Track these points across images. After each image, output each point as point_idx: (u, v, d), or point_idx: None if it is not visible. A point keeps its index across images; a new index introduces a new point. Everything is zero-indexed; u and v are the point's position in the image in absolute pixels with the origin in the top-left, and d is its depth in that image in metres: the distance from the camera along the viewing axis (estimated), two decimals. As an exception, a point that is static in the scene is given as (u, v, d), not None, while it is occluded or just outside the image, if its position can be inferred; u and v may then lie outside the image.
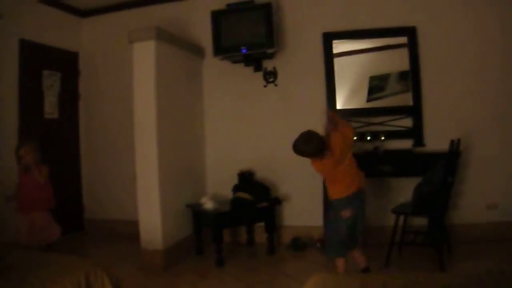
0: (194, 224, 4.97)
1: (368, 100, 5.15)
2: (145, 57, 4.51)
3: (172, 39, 4.82)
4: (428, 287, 2.07)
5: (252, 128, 5.42)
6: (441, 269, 4.03)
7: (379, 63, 5.17)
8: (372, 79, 5.14)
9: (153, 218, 4.50)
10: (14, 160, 4.41)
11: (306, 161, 4.94)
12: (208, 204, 4.75)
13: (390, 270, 4.16)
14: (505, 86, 4.89)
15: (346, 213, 3.48)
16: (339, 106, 5.14)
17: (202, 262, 4.73)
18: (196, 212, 4.91)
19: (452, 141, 4.21)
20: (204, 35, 5.35)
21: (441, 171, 4.14)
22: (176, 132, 4.89)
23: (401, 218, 4.43)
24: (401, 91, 5.08)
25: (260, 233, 5.09)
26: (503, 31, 4.89)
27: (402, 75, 5.07)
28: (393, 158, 4.72)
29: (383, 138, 4.86)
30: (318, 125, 4.99)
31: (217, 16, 5.06)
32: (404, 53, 5.05)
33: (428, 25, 4.99)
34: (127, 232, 5.20)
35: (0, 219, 4.68)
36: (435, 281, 2.15)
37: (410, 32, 4.99)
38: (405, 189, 4.64)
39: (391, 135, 4.96)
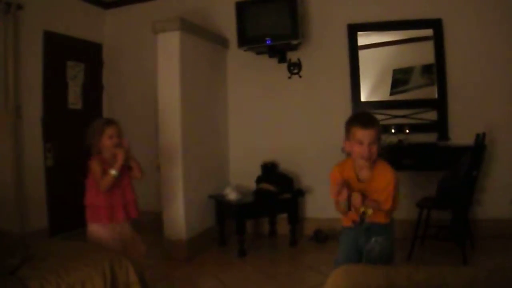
0: (217, 214, 5.00)
1: (392, 93, 5.13)
2: (169, 47, 4.52)
3: (196, 30, 4.82)
4: (452, 280, 2.05)
5: (276, 119, 5.42)
6: (464, 263, 4.02)
7: (403, 56, 5.15)
8: (396, 72, 5.12)
9: (176, 209, 4.53)
10: (39, 150, 4.41)
11: (329, 153, 4.99)
12: (231, 195, 4.77)
13: (412, 264, 4.15)
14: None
15: None
16: (363, 98, 5.14)
17: (225, 253, 4.77)
18: (219, 203, 4.93)
19: (477, 135, 4.17)
20: (228, 26, 5.34)
21: (466, 165, 4.11)
22: (200, 123, 4.91)
23: (425, 212, 4.41)
24: (425, 84, 5.06)
25: (283, 225, 5.11)
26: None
27: (426, 68, 5.04)
28: (417, 151, 4.68)
29: (407, 131, 4.83)
30: (342, 117, 5.05)
31: (241, 7, 5.05)
32: (428, 46, 5.01)
33: (454, 18, 4.93)
34: (150, 223, 5.21)
35: (26, 209, 4.74)
36: (460, 274, 2.13)
37: (436, 25, 4.94)
38: (429, 182, 4.60)
39: (415, 128, 4.92)
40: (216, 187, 5.10)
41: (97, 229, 3.20)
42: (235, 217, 4.68)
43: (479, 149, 4.21)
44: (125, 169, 3.35)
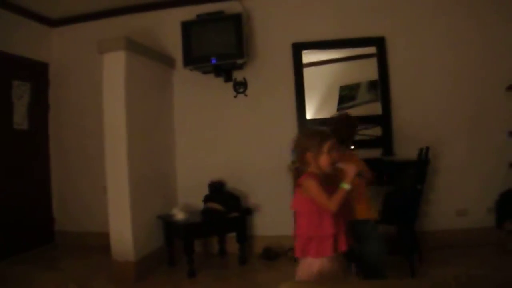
0: (165, 235, 4.93)
1: (339, 109, 5.18)
2: (115, 67, 4.47)
3: (142, 50, 4.80)
4: None
5: (223, 138, 5.42)
6: (412, 276, 4.08)
7: (349, 73, 5.25)
8: (343, 88, 5.20)
9: (124, 229, 4.45)
10: None
11: (275, 172, 5.03)
12: (179, 215, 4.73)
13: (360, 278, 4.19)
14: (472, 95, 5.00)
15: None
16: (310, 116, 5.19)
17: (174, 274, 4.69)
18: (167, 223, 4.87)
19: (420, 149, 4.27)
20: (174, 45, 5.35)
21: (410, 179, 4.19)
22: (147, 142, 4.86)
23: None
24: (371, 100, 5.15)
25: (232, 244, 5.08)
26: (471, 41, 5.02)
27: (372, 85, 5.14)
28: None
29: (352, 147, 4.90)
30: (288, 135, 5.08)
31: (187, 27, 5.07)
32: (373, 62, 5.12)
33: (397, 35, 5.09)
34: (99, 244, 5.13)
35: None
36: (403, 287, 2.16)
37: (378, 42, 5.07)
38: (374, 198, 4.66)
39: (360, 144, 4.98)
40: (164, 207, 5.04)
41: (320, 263, 2.67)
42: (183, 237, 4.62)
43: (422, 163, 4.30)
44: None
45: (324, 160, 2.69)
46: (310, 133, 2.85)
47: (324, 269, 2.65)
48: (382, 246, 3.46)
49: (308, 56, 5.22)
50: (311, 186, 2.65)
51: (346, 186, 2.60)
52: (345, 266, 2.88)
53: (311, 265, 2.66)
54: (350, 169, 2.64)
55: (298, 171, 2.84)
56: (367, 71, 5.17)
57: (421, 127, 4.97)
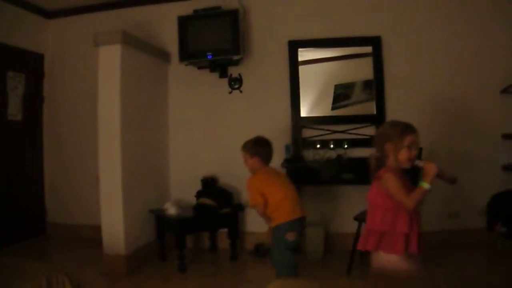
0: (157, 229, 4.94)
1: (333, 108, 5.19)
2: (110, 60, 4.47)
3: (138, 44, 4.79)
4: None
5: (216, 134, 5.42)
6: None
7: (345, 72, 5.23)
8: (337, 87, 5.19)
9: (115, 223, 4.45)
10: None
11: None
12: (171, 210, 4.73)
13: (352, 277, 4.22)
14: (466, 96, 5.02)
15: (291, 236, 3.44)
16: (304, 114, 5.20)
17: (165, 268, 4.69)
18: (159, 218, 4.88)
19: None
20: (170, 40, 5.34)
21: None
22: (140, 136, 4.86)
23: (363, 225, 4.48)
24: (366, 100, 5.15)
25: (223, 239, 5.10)
26: (466, 43, 5.03)
27: (367, 84, 5.14)
28: (356, 166, 4.74)
29: (346, 146, 4.94)
30: (281, 133, 5.12)
31: (183, 22, 5.06)
32: (369, 62, 5.12)
33: (393, 35, 5.09)
34: (91, 236, 5.11)
35: None
36: (392, 283, 2.18)
37: (374, 42, 5.08)
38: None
39: (354, 143, 5.03)
40: (156, 201, 5.04)
41: (397, 259, 2.58)
42: (175, 232, 4.63)
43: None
44: None
45: (403, 154, 2.64)
46: (394, 122, 2.78)
47: (401, 267, 2.57)
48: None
49: (303, 54, 5.21)
50: (391, 180, 2.59)
51: (426, 185, 2.51)
52: (421, 269, 2.73)
53: (388, 259, 2.59)
54: (431, 168, 2.55)
55: (377, 161, 2.79)
56: (363, 70, 5.16)
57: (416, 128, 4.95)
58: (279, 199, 3.46)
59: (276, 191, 3.48)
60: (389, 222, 2.60)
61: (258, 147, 3.63)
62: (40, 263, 2.95)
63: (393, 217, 2.59)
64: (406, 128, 2.67)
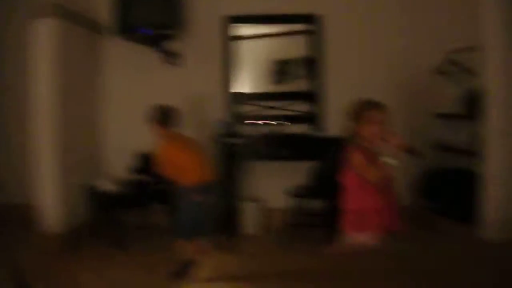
0: (93, 206, 4.85)
1: (272, 84, 5.25)
2: (42, 35, 4.32)
3: (73, 17, 4.64)
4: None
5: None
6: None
7: (284, 48, 5.28)
8: (276, 63, 5.23)
9: (50, 200, 4.37)
10: None
11: (204, 142, 5.02)
12: (106, 186, 4.68)
13: (286, 251, 4.34)
14: (402, 77, 5.20)
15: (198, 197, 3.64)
16: (241, 89, 5.23)
17: (103, 246, 4.61)
18: (95, 195, 4.79)
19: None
20: (107, 13, 5.13)
21: (335, 155, 4.31)
22: (74, 111, 4.73)
23: (298, 200, 4.59)
24: (304, 76, 5.22)
25: (160, 216, 5.07)
26: (405, 23, 5.22)
27: (306, 61, 5.20)
28: (291, 142, 4.85)
29: (282, 122, 5.01)
30: (217, 107, 5.17)
31: (121, -5, 4.94)
32: (309, 39, 5.19)
33: (331, 13, 5.17)
34: (27, 216, 5.00)
35: None
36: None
37: (313, 19, 5.14)
38: (302, 172, 4.77)
39: (291, 119, 5.12)
40: (92, 178, 4.95)
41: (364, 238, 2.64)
42: (110, 209, 4.61)
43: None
44: None
45: (365, 130, 2.66)
46: (357, 101, 2.79)
47: (366, 244, 2.63)
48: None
49: (242, 30, 5.22)
50: (353, 158, 2.64)
51: (390, 161, 2.54)
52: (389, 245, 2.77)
53: (355, 239, 2.66)
54: (394, 142, 2.59)
55: (348, 141, 2.78)
56: (302, 47, 5.22)
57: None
58: (187, 163, 3.69)
59: (183, 156, 3.73)
60: (359, 199, 2.66)
61: (161, 115, 3.82)
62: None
63: (362, 194, 2.66)
64: (366, 105, 2.71)
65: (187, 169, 3.69)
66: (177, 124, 3.88)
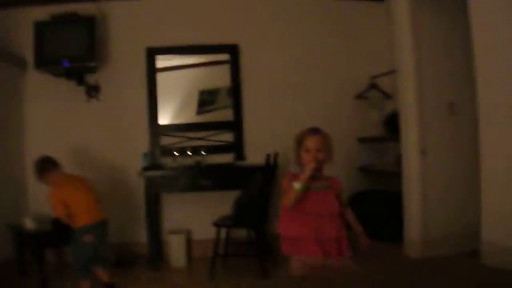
0: (16, 244, 4.69)
1: (198, 113, 5.26)
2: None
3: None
4: None
5: (75, 144, 5.21)
6: (264, 277, 4.27)
7: (209, 78, 5.33)
8: (202, 93, 5.25)
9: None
10: None
11: (129, 178, 4.99)
12: (29, 224, 4.55)
13: (216, 282, 4.28)
14: (323, 103, 5.32)
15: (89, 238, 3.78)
16: (165, 121, 5.22)
17: (26, 285, 4.43)
18: (17, 232, 4.65)
19: (267, 155, 4.40)
20: (27, 47, 5.04)
21: (258, 183, 4.32)
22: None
23: (223, 230, 4.55)
24: (229, 106, 5.26)
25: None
26: (321, 51, 5.37)
27: (230, 90, 5.25)
28: (214, 172, 4.83)
29: (204, 152, 5.02)
30: (142, 141, 5.15)
31: (39, 27, 4.84)
32: (230, 69, 5.25)
33: (249, 43, 5.27)
34: None
35: None
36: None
37: (231, 49, 5.21)
38: (226, 202, 4.71)
39: (214, 149, 5.15)
40: (14, 215, 4.80)
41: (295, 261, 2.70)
42: (33, 247, 4.45)
43: (270, 168, 4.44)
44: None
45: (303, 158, 2.67)
46: (302, 129, 2.79)
47: (296, 268, 2.68)
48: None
49: (166, 61, 5.22)
50: (282, 182, 2.69)
51: (296, 185, 2.57)
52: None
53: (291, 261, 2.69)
54: (307, 169, 2.60)
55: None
56: (226, 77, 5.27)
57: (271, 134, 5.16)
58: (79, 204, 3.78)
59: (76, 197, 3.79)
60: (284, 225, 2.71)
61: (42, 165, 3.95)
62: None
63: (285, 220, 2.71)
64: (305, 132, 2.73)
65: (76, 210, 3.77)
66: (58, 168, 4.01)
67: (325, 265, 2.64)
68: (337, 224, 2.66)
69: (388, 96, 5.25)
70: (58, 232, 4.61)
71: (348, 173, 5.25)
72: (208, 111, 5.25)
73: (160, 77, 5.21)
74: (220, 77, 5.28)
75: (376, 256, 4.46)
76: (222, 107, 5.26)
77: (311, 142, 2.67)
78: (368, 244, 2.73)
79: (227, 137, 5.19)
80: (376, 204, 4.96)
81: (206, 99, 5.25)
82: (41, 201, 5.07)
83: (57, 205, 3.76)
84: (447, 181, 4.49)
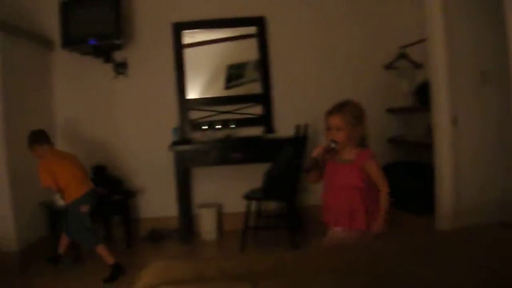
0: (49, 222, 4.77)
1: (228, 87, 5.25)
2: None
3: (18, 31, 4.56)
4: (257, 265, 2.14)
5: (104, 120, 5.28)
6: (294, 248, 4.25)
7: (238, 52, 5.29)
8: (230, 67, 5.24)
9: (5, 218, 4.27)
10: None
11: (160, 152, 5.01)
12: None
13: (246, 255, 4.29)
14: (351, 73, 5.23)
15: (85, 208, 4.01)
16: (193, 95, 5.21)
17: (60, 262, 4.51)
18: (50, 210, 4.71)
19: (297, 126, 4.39)
20: (54, 26, 5.08)
21: (288, 156, 4.32)
22: (25, 127, 4.61)
23: (254, 203, 4.58)
24: (257, 79, 5.23)
25: (118, 228, 5.04)
26: (351, 20, 5.25)
27: (258, 64, 5.22)
28: (244, 145, 4.84)
29: (234, 125, 5.01)
30: (169, 117, 5.15)
31: (65, 7, 4.86)
32: (258, 41, 5.20)
33: (276, 15, 5.19)
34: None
35: None
36: (265, 259, 2.23)
37: (258, 22, 5.16)
38: (256, 175, 4.74)
39: (243, 122, 5.13)
40: (47, 193, 4.87)
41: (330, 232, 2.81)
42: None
43: (299, 140, 4.43)
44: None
45: (327, 136, 2.76)
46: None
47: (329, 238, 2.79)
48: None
49: (192, 37, 5.20)
50: None
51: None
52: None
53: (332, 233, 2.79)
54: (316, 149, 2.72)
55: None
56: (253, 50, 5.23)
57: (301, 105, 5.12)
58: (68, 178, 3.96)
59: (62, 173, 3.95)
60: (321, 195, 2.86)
61: (33, 137, 4.03)
62: None
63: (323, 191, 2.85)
64: (326, 112, 2.78)
65: (65, 186, 3.97)
66: (49, 144, 4.07)
67: (346, 238, 2.70)
68: (354, 197, 2.68)
69: (418, 65, 5.16)
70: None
71: (377, 145, 5.16)
72: (236, 86, 5.25)
73: (187, 53, 5.20)
74: (247, 51, 5.25)
75: (406, 228, 4.45)
76: (250, 80, 5.24)
77: (331, 121, 2.73)
78: (377, 230, 2.69)
79: (256, 110, 5.18)
80: (406, 176, 4.90)
81: (234, 74, 5.24)
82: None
83: (44, 175, 3.93)
84: (478, 150, 4.40)
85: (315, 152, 2.68)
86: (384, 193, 2.66)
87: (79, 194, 3.98)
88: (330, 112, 2.76)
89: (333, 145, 2.68)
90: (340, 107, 2.75)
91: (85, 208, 3.99)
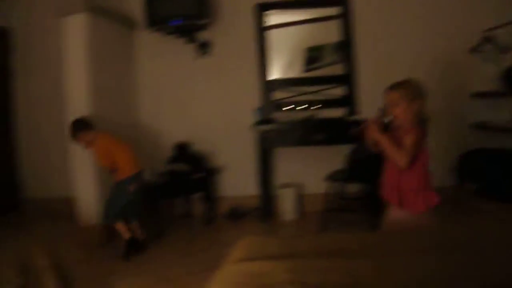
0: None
1: (306, 71, 5.22)
2: (75, 31, 4.40)
3: (103, 12, 4.70)
4: (347, 244, 2.14)
5: (187, 100, 5.38)
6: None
7: (316, 34, 5.25)
8: (309, 49, 5.21)
9: (89, 193, 4.45)
10: None
11: (240, 131, 5.05)
12: (146, 176, 4.71)
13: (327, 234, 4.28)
14: (437, 57, 5.08)
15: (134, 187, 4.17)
16: (275, 76, 5.22)
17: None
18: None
19: (380, 109, 4.31)
20: (137, 7, 5.22)
21: (372, 138, 4.26)
22: (111, 107, 4.81)
23: (336, 185, 4.54)
24: (337, 61, 5.18)
25: (199, 205, 5.13)
26: (438, 2, 5.11)
27: (338, 45, 5.16)
28: (326, 126, 4.80)
29: (317, 106, 4.97)
30: (251, 96, 5.15)
31: (151, -12, 4.98)
32: (339, 23, 5.13)
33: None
34: (66, 209, 5.07)
35: None
36: (355, 239, 2.22)
37: (342, 2, 5.08)
38: (337, 156, 4.70)
39: (325, 103, 5.08)
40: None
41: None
42: (149, 198, 4.64)
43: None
44: None
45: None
46: None
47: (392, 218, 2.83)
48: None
49: (274, 18, 5.20)
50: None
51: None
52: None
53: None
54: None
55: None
56: (334, 31, 5.17)
57: (384, 87, 4.97)
58: (123, 157, 4.11)
59: (120, 152, 4.12)
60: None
61: (78, 126, 4.12)
62: (12, 237, 2.87)
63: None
64: (385, 89, 2.83)
65: (121, 163, 4.11)
66: (92, 128, 4.16)
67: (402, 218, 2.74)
68: (403, 175, 2.71)
69: (504, 49, 4.99)
70: (172, 184, 4.79)
71: (459, 130, 5.07)
72: (314, 69, 5.21)
73: (269, 34, 5.21)
74: (326, 33, 5.20)
75: (490, 215, 4.33)
76: (329, 63, 5.20)
77: (386, 99, 2.80)
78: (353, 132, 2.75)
79: (337, 91, 5.12)
80: (490, 163, 4.77)
81: (312, 56, 5.21)
82: (154, 155, 5.28)
83: (104, 155, 4.12)
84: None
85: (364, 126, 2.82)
86: (398, 159, 2.63)
87: (132, 173, 4.12)
88: (386, 90, 2.82)
89: (386, 120, 2.73)
90: (399, 84, 2.78)
91: (133, 187, 4.13)
